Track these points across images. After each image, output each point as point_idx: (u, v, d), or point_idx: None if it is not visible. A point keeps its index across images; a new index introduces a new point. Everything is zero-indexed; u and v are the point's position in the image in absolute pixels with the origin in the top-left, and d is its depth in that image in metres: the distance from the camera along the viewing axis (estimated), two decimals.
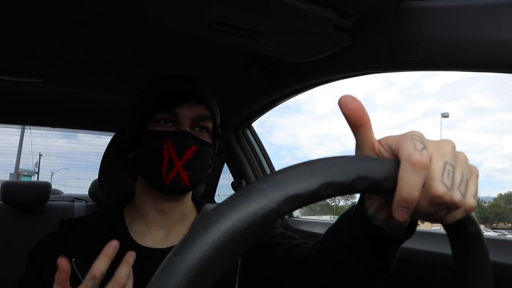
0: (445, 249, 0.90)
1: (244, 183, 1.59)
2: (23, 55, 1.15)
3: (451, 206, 0.35)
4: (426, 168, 0.33)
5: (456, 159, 0.36)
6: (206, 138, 0.83)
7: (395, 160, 0.34)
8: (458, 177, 0.35)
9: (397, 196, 0.33)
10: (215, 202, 1.98)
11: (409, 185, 0.33)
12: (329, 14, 0.77)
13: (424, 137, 0.36)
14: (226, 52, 1.18)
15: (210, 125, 0.83)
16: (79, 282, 0.72)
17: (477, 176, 0.37)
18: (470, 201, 0.35)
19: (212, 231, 0.25)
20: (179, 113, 0.79)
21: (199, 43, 1.11)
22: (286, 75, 1.16)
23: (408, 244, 0.98)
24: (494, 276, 0.40)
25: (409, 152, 0.34)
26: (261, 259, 0.78)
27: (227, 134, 1.68)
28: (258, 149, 1.73)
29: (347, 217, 0.55)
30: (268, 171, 1.71)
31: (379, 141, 0.38)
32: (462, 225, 0.38)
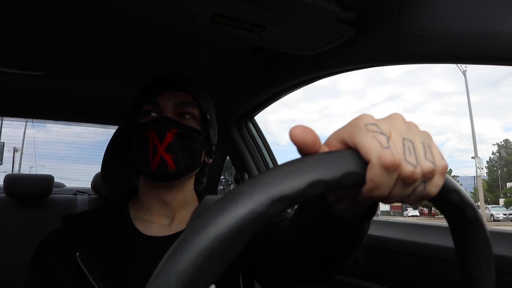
0: (447, 242, 0.90)
1: (246, 176, 1.60)
2: (25, 48, 1.15)
3: (426, 177, 0.33)
4: (399, 167, 0.31)
5: (411, 130, 0.35)
6: (193, 124, 0.84)
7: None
8: (420, 147, 0.34)
9: (367, 194, 0.32)
10: (216, 194, 1.98)
11: (382, 186, 0.31)
12: (332, 7, 0.77)
13: (376, 120, 0.34)
14: (229, 45, 1.18)
15: (195, 111, 0.84)
16: (84, 276, 0.73)
17: (431, 138, 0.36)
18: (441, 163, 0.34)
19: (201, 238, 0.25)
20: (160, 102, 0.82)
21: (201, 37, 1.10)
22: (288, 68, 1.16)
23: (410, 237, 0.99)
24: (496, 270, 0.40)
25: (377, 152, 0.31)
26: (257, 248, 0.78)
27: (230, 128, 1.68)
28: (261, 142, 1.73)
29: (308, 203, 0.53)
30: (270, 164, 1.71)
31: (328, 143, 0.35)
32: (460, 211, 0.37)
